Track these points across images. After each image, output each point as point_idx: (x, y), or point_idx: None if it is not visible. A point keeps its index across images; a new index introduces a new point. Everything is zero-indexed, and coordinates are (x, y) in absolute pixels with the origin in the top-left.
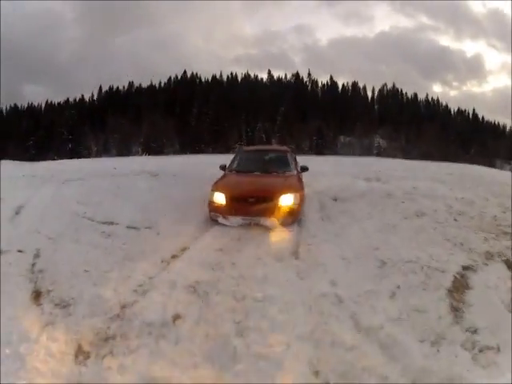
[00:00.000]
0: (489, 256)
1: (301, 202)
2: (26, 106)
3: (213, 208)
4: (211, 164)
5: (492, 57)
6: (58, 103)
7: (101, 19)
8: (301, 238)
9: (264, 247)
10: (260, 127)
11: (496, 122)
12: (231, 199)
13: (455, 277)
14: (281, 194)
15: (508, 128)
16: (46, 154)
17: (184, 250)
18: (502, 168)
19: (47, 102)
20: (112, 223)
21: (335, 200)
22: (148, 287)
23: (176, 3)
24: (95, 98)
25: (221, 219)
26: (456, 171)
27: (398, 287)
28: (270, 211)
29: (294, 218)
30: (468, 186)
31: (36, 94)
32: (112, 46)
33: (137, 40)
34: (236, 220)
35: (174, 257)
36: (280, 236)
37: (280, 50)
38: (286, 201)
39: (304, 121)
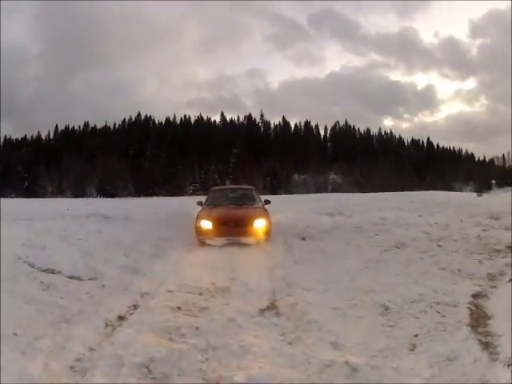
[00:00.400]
0: (492, 278)
1: (270, 225)
2: None
3: (201, 232)
4: (165, 206)
5: (444, 86)
6: (16, 139)
7: (62, 57)
8: (276, 288)
9: (234, 302)
10: (213, 169)
11: (451, 148)
12: (217, 224)
13: (470, 309)
14: (255, 219)
15: (464, 151)
16: (2, 190)
17: (133, 308)
18: (461, 190)
19: (5, 137)
20: (53, 271)
21: (303, 239)
22: (87, 364)
23: (134, 47)
24: (51, 136)
25: (208, 240)
26: (416, 198)
27: (416, 336)
28: (248, 232)
29: (266, 236)
30: (436, 211)
31: None
32: (71, 85)
33: (94, 80)
34: (221, 240)
35: (120, 318)
36: (252, 286)
37: (232, 94)
38: (259, 224)
39: (258, 161)
